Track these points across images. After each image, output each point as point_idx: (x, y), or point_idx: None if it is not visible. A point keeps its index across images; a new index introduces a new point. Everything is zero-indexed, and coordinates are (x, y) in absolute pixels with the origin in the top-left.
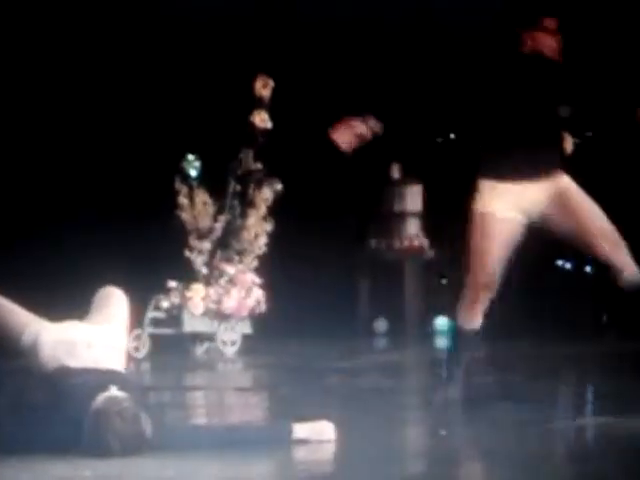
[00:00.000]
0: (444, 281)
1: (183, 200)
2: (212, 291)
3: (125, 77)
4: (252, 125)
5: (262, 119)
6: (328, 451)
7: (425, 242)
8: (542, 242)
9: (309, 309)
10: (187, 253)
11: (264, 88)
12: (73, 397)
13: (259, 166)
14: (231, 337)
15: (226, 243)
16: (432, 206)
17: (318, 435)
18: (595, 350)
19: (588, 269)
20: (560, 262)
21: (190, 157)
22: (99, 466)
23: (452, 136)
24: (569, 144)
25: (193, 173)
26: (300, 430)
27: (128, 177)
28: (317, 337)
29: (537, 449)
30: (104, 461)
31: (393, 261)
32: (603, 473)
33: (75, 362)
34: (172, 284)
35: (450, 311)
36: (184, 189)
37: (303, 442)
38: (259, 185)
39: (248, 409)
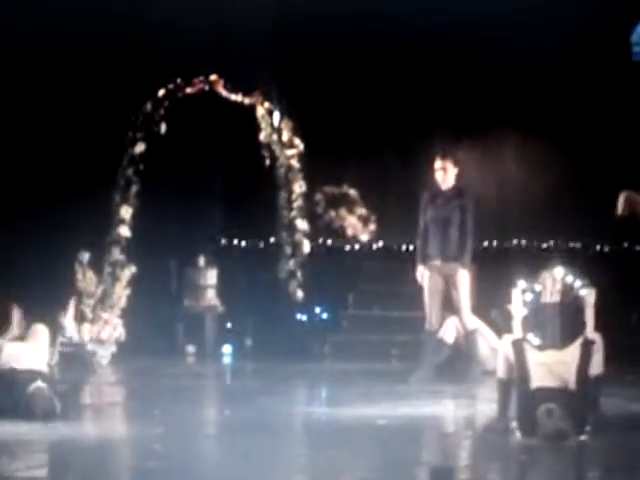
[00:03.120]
0: (229, 325)
1: (79, 276)
2: (94, 328)
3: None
4: (118, 234)
5: (124, 231)
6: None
7: (218, 302)
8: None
9: (151, 340)
10: (81, 306)
11: (125, 213)
12: (16, 386)
13: (122, 257)
14: (105, 354)
15: (103, 301)
16: (223, 281)
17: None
18: (320, 368)
19: (318, 319)
20: (298, 315)
21: (83, 251)
22: (30, 426)
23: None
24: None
25: (84, 260)
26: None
27: (47, 262)
28: (153, 355)
29: (281, 427)
30: (32, 423)
31: (199, 313)
32: (332, 446)
33: (19, 365)
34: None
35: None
36: (80, 269)
37: None
38: (122, 268)
39: (109, 393)
